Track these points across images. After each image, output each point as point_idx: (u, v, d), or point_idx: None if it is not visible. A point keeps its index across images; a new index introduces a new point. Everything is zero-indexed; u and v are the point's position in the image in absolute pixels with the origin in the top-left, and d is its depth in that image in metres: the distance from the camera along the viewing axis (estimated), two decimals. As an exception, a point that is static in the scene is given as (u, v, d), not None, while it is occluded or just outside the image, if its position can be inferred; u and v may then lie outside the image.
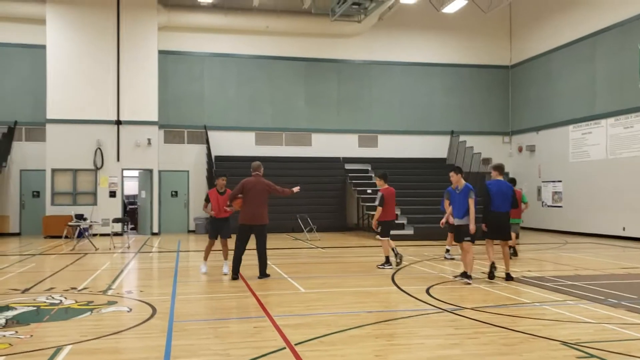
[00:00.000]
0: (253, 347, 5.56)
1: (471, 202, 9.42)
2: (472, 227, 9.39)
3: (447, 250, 12.90)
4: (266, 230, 10.05)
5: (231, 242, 10.51)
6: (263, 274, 10.05)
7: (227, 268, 10.52)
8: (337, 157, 23.49)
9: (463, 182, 9.69)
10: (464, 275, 9.57)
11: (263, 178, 10.15)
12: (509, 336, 5.98)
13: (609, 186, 19.06)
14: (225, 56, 22.89)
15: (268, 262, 10.20)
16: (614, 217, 18.71)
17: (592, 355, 5.24)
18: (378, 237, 11.70)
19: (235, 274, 9.91)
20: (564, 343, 5.66)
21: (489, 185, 9.83)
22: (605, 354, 5.27)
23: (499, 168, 10.06)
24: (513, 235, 13.63)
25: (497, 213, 9.72)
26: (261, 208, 9.92)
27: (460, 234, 9.64)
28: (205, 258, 11.03)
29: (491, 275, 9.82)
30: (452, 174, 9.79)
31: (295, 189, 10.36)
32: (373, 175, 22.45)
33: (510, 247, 13.38)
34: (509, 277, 9.70)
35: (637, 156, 18.00)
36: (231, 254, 10.23)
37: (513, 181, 14.34)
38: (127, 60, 20.84)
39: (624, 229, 18.32)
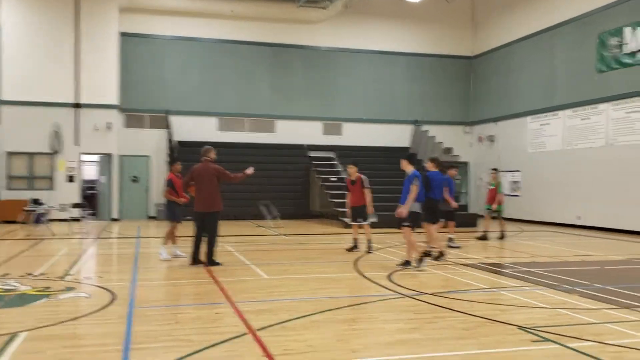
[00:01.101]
0: (215, 332, 5.54)
1: (413, 188, 9.39)
2: (404, 211, 9.39)
3: (450, 239, 12.79)
4: (218, 217, 9.83)
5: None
6: (210, 261, 9.78)
7: (178, 250, 10.93)
8: (301, 144, 23.45)
9: (410, 168, 9.68)
10: (405, 264, 9.60)
11: (212, 163, 9.86)
12: (467, 321, 6.12)
13: (565, 176, 19.60)
14: (188, 40, 22.52)
15: (230, 248, 10.16)
16: (570, 207, 19.27)
17: (546, 339, 5.40)
18: (362, 222, 11.78)
19: (194, 260, 9.82)
20: (520, 327, 5.82)
21: (431, 176, 10.86)
22: (560, 337, 5.45)
23: (436, 160, 11.38)
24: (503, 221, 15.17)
25: (435, 200, 10.81)
26: (211, 194, 9.69)
27: (400, 220, 9.60)
28: (174, 242, 10.93)
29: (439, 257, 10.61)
30: (402, 160, 9.90)
31: (249, 171, 10.05)
32: (338, 163, 22.52)
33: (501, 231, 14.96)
34: (428, 255, 10.17)
35: (592, 147, 18.55)
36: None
37: (496, 170, 15.53)
38: (87, 41, 20.28)
39: (578, 217, 18.88)
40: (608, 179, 17.76)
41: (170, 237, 10.91)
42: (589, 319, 6.26)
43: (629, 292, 7.66)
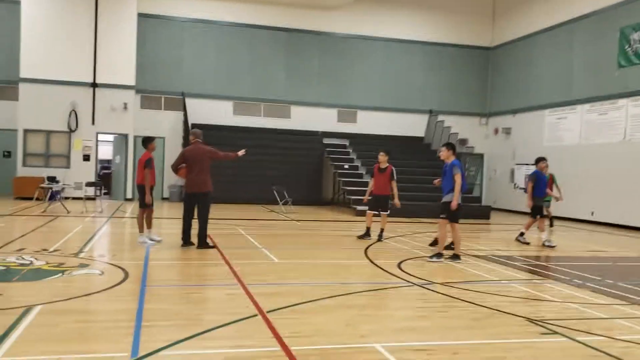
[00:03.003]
0: (225, 313, 5.60)
1: (457, 178, 9.05)
2: (454, 204, 9.08)
3: (522, 234, 12.43)
4: (209, 198, 9.78)
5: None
6: (202, 244, 9.69)
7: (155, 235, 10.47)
8: (315, 130, 23.43)
9: (452, 158, 9.39)
10: (454, 257, 9.32)
11: (203, 145, 9.88)
12: (476, 311, 6.13)
13: (580, 171, 19.42)
14: (205, 22, 22.50)
15: (242, 231, 10.15)
16: (583, 202, 19.10)
17: (555, 332, 5.41)
18: (382, 212, 11.70)
19: (186, 242, 9.81)
20: (529, 319, 5.82)
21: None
22: (568, 331, 5.44)
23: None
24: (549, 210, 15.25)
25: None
26: (201, 175, 9.67)
27: (441, 211, 9.39)
28: (149, 226, 10.40)
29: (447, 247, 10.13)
30: (442, 149, 9.62)
31: (241, 153, 9.92)
32: (351, 151, 22.49)
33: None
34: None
35: (609, 143, 18.35)
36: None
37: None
38: (106, 21, 20.35)
39: (592, 213, 18.74)
40: (624, 175, 17.58)
41: (147, 221, 10.35)
42: (598, 314, 6.24)
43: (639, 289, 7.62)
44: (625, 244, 13.47)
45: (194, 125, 21.91)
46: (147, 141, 10.41)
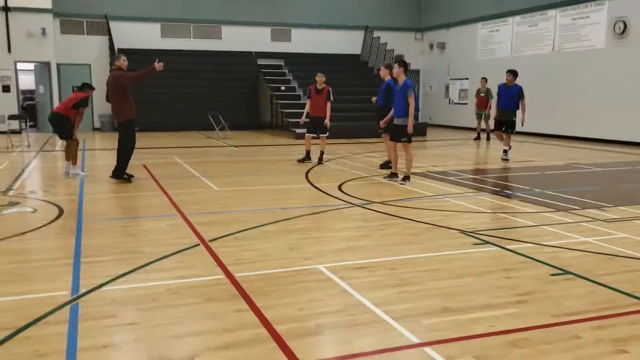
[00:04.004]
0: (166, 244, 5.56)
1: (411, 101, 8.92)
2: (410, 128, 8.97)
3: (505, 151, 12.44)
4: (126, 127, 9.32)
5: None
6: (116, 173, 9.35)
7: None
8: (249, 51, 22.78)
9: (404, 77, 9.07)
10: (405, 178, 9.26)
11: (119, 71, 9.24)
12: (413, 227, 6.35)
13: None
14: (125, -63, 20.93)
15: (178, 160, 9.88)
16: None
17: (486, 242, 5.69)
18: (321, 134, 11.71)
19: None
20: (462, 231, 6.09)
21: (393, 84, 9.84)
22: (499, 240, 5.74)
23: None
24: None
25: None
26: (115, 104, 9.29)
27: (398, 134, 9.25)
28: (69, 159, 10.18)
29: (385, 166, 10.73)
30: (395, 65, 9.23)
31: (157, 65, 8.95)
32: (287, 71, 22.07)
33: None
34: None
35: (538, 54, 18.79)
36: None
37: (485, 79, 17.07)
38: (12, -63, 18.59)
39: (522, 124, 19.36)
40: (553, 85, 18.16)
41: (73, 156, 10.17)
42: (527, 222, 6.59)
43: (566, 196, 8.07)
44: (554, 154, 14.12)
45: (120, 50, 20.86)
46: (86, 87, 10.18)
